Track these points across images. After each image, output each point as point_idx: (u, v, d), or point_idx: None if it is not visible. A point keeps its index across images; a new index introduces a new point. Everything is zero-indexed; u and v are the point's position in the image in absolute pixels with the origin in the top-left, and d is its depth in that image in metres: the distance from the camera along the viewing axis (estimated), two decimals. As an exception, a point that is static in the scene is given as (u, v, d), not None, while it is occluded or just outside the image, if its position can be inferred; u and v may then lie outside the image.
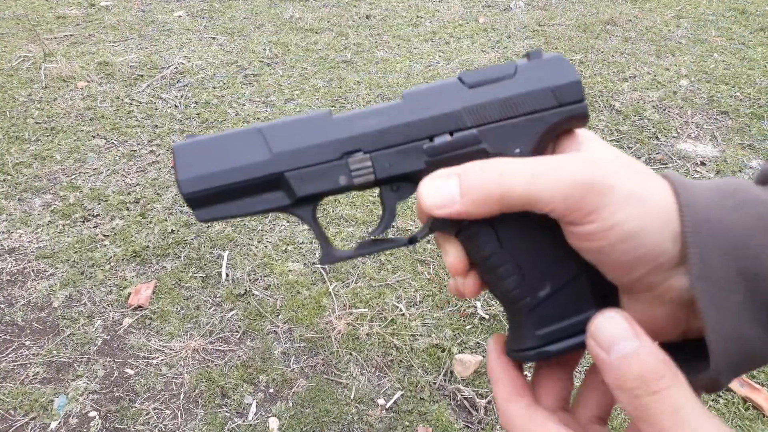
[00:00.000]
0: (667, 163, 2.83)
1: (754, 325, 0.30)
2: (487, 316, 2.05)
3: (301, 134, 0.34)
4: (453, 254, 0.37)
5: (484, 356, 1.91)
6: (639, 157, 2.87)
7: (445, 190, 0.32)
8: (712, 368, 0.31)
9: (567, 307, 0.34)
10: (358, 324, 2.03)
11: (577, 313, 0.34)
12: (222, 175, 0.35)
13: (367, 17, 4.52)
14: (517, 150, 0.34)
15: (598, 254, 0.32)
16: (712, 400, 1.78)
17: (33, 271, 2.22)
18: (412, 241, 0.39)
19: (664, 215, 0.31)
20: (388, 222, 0.37)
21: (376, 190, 0.38)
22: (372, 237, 0.38)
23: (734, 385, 1.80)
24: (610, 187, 0.30)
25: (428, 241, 2.36)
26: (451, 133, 0.34)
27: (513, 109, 0.34)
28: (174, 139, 3.03)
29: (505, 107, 0.34)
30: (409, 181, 0.36)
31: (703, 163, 2.84)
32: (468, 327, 2.01)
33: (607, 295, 0.34)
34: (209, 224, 2.45)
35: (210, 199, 0.35)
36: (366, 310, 2.09)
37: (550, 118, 0.34)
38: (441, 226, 0.36)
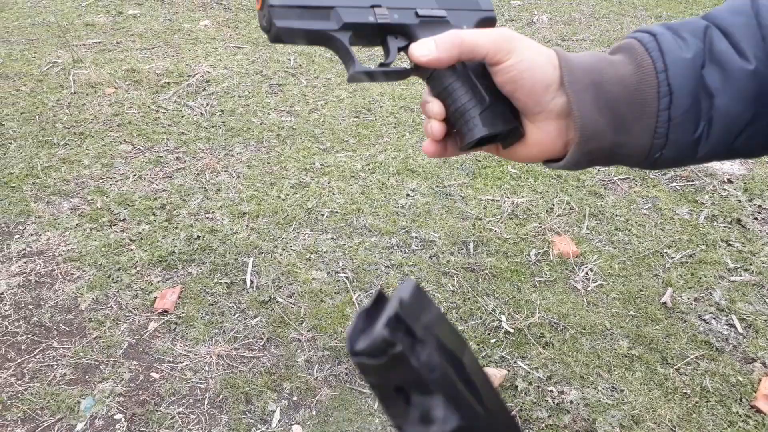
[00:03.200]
0: (693, 180, 2.81)
1: (600, 116, 0.49)
2: (512, 330, 2.03)
3: None
4: (436, 104, 0.53)
5: (509, 370, 1.90)
6: (664, 175, 2.85)
7: (427, 46, 0.50)
8: (577, 142, 0.50)
9: (494, 118, 0.52)
10: (382, 334, 2.03)
11: (495, 122, 0.52)
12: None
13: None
14: (465, 27, 0.56)
15: (513, 84, 0.50)
16: (742, 421, 1.75)
17: (61, 273, 2.25)
18: (406, 72, 0.55)
19: (548, 55, 0.50)
20: (392, 58, 0.54)
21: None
22: (380, 64, 0.54)
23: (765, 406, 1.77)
24: (519, 39, 0.50)
25: (452, 253, 2.36)
26: (428, 9, 0.55)
27: (459, 4, 0.57)
28: (200, 146, 3.06)
29: (456, 2, 0.57)
30: (405, 34, 0.54)
31: (730, 181, 2.81)
32: (493, 341, 2.00)
33: (518, 117, 0.52)
34: (234, 232, 2.46)
35: (287, 14, 0.49)
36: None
37: (478, 14, 0.58)
38: (420, 70, 0.53)
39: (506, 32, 0.49)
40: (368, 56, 4.05)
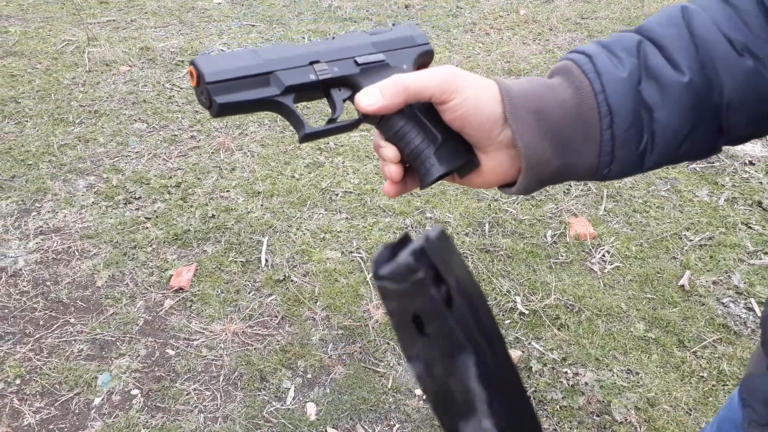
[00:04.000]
0: (713, 162, 2.76)
1: (544, 143, 0.50)
2: (527, 312, 2.02)
3: (285, 51, 0.52)
4: (390, 149, 0.53)
5: (523, 351, 1.89)
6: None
7: (372, 95, 0.50)
8: (524, 170, 0.51)
9: (449, 156, 0.52)
10: (396, 314, 2.02)
11: (450, 159, 0.52)
12: (235, 71, 0.48)
13: (406, 7, 4.49)
14: (405, 66, 0.56)
15: (461, 121, 0.50)
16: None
17: (77, 250, 2.27)
18: (356, 123, 0.55)
19: (491, 89, 0.50)
20: (339, 112, 0.54)
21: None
22: (329, 120, 0.55)
23: None
24: (462, 77, 0.50)
25: (467, 234, 2.34)
26: (366, 55, 0.55)
27: (394, 44, 0.57)
28: (214, 125, 3.06)
29: (388, 43, 0.57)
30: (348, 85, 0.54)
31: (752, 163, 2.76)
32: (507, 322, 1.99)
33: (471, 149, 0.53)
34: (249, 211, 2.46)
35: (225, 89, 0.48)
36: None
37: (416, 50, 0.58)
38: (368, 119, 0.53)
39: (449, 71, 0.50)
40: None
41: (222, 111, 0.48)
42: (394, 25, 0.59)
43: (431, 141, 0.51)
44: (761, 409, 0.59)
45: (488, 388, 0.23)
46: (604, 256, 2.27)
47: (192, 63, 0.48)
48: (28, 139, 2.92)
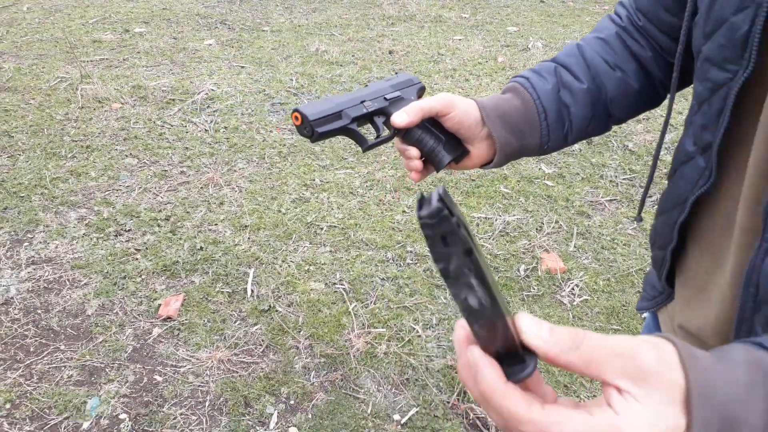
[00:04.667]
0: (677, 203, 2.92)
1: (508, 134, 0.78)
2: (500, 341, 2.13)
3: (346, 96, 0.79)
4: (413, 150, 0.79)
5: (496, 379, 1.99)
6: (650, 198, 2.97)
7: (401, 116, 0.75)
8: (498, 152, 0.79)
9: (452, 148, 0.79)
10: (376, 343, 2.12)
11: (454, 150, 0.79)
12: (323, 111, 0.76)
13: (390, 53, 4.69)
14: (412, 98, 0.84)
15: (458, 125, 0.77)
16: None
17: (68, 280, 2.34)
18: (393, 136, 0.81)
19: (473, 106, 0.77)
20: (381, 131, 0.81)
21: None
22: (376, 137, 0.81)
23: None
24: (455, 98, 0.76)
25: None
26: (390, 93, 0.82)
27: (402, 85, 0.84)
28: (204, 161, 3.17)
29: (401, 85, 0.84)
30: (383, 113, 0.81)
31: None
32: (482, 350, 2.09)
33: (462, 144, 0.80)
34: (236, 244, 2.56)
35: (320, 123, 0.75)
36: (384, 330, 2.18)
37: (416, 87, 0.85)
38: (398, 132, 0.79)
39: (446, 95, 0.76)
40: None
41: (319, 137, 0.75)
42: (396, 73, 0.83)
43: (439, 141, 0.78)
44: (648, 289, 0.87)
45: (478, 271, 0.36)
46: (573, 289, 2.39)
47: (296, 110, 0.75)
48: (21, 172, 3.01)
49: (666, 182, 0.77)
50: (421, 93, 0.86)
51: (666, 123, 0.75)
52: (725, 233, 0.64)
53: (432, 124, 0.78)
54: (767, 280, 0.56)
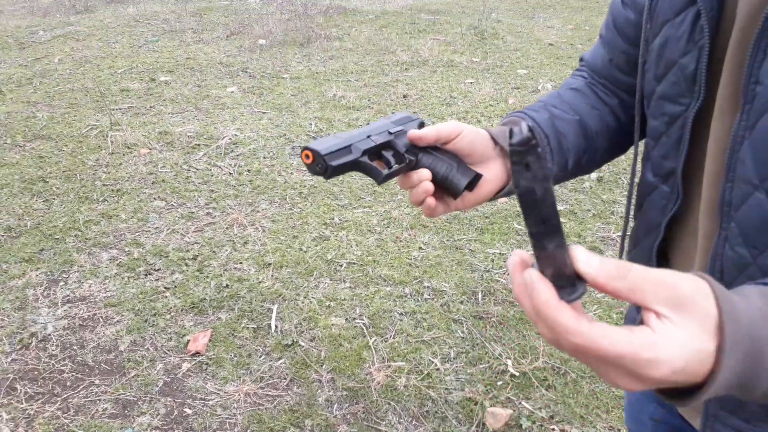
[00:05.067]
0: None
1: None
2: (517, 374, 2.19)
3: (353, 132, 0.80)
4: (422, 171, 0.76)
5: (514, 410, 2.05)
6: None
7: (419, 133, 0.76)
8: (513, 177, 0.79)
9: (465, 172, 0.78)
10: (396, 376, 2.19)
11: (467, 173, 0.77)
12: (332, 146, 0.76)
13: (404, 97, 4.87)
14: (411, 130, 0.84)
15: (470, 144, 0.76)
16: None
17: (102, 317, 2.45)
18: (407, 167, 0.79)
19: (479, 129, 0.78)
20: (393, 162, 0.80)
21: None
22: (389, 168, 0.81)
23: None
24: (462, 124, 0.76)
25: (462, 302, 2.54)
26: (393, 128, 0.83)
27: (403, 121, 0.84)
28: (228, 203, 3.31)
29: (401, 121, 0.84)
30: (389, 146, 0.80)
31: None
32: (499, 383, 2.16)
33: (472, 169, 0.79)
34: (260, 281, 2.67)
35: (332, 157, 0.75)
36: (403, 363, 2.25)
37: (415, 122, 0.85)
38: (410, 162, 0.79)
39: (453, 122, 0.78)
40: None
41: (333, 172, 0.75)
42: (393, 113, 0.91)
43: (451, 166, 0.78)
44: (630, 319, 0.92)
45: (551, 197, 0.42)
46: (588, 323, 2.45)
47: (306, 148, 0.74)
48: (56, 216, 3.17)
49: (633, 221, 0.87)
50: (421, 126, 0.87)
51: (634, 164, 0.85)
52: (695, 244, 0.74)
53: (441, 152, 0.79)
54: (729, 263, 0.66)
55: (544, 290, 0.44)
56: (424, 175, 0.76)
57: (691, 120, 0.70)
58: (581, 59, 0.98)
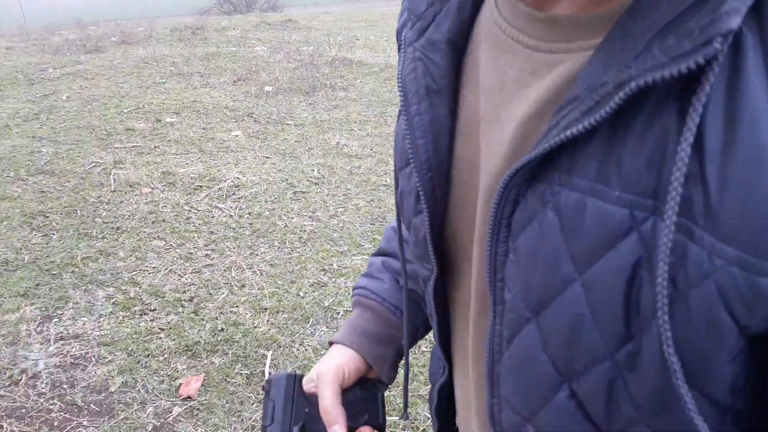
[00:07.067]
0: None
1: (377, 345, 0.77)
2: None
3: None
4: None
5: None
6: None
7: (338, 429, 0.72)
8: (376, 368, 0.77)
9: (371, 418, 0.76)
10: (391, 431, 2.15)
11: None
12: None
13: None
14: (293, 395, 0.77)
15: (361, 374, 0.76)
16: None
17: (94, 356, 2.42)
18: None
19: (338, 353, 0.78)
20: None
21: None
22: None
23: None
24: (325, 365, 0.77)
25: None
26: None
27: (282, 401, 0.75)
28: (227, 245, 3.32)
29: (286, 407, 0.75)
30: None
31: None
32: None
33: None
34: (255, 326, 2.65)
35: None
36: (397, 417, 2.21)
37: (282, 385, 0.77)
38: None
39: (318, 369, 0.77)
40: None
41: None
42: (263, 387, 0.85)
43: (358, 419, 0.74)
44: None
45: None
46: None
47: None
48: (54, 251, 3.16)
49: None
50: (290, 381, 0.78)
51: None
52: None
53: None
54: (507, 374, 0.49)
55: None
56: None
57: (431, 294, 0.59)
58: None
